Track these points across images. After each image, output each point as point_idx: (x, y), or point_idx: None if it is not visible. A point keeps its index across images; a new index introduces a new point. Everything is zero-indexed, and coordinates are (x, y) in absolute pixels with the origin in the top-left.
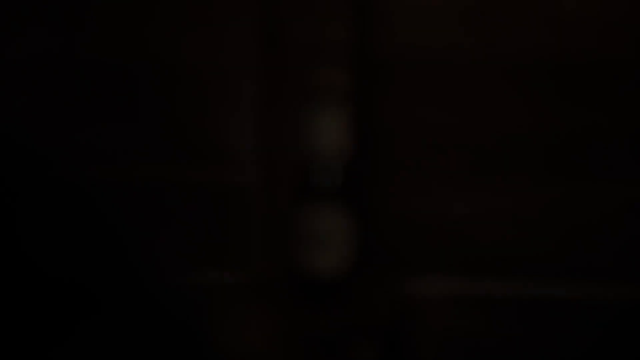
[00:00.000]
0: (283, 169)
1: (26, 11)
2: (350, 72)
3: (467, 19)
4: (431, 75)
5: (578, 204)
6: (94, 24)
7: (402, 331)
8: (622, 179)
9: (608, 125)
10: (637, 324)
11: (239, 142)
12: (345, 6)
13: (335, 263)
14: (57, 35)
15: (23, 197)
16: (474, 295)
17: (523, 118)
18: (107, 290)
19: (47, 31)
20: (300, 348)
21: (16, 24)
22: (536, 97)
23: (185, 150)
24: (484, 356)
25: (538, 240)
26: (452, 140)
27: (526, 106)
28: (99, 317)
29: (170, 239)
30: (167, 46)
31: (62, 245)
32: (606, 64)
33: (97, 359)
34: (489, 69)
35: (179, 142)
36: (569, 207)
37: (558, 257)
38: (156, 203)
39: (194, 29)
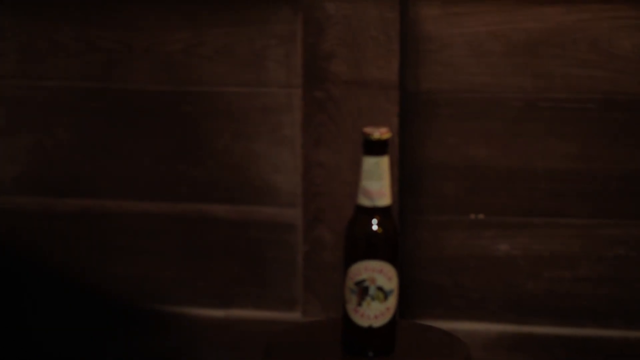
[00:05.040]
0: (329, 208)
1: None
2: (395, 109)
3: (515, 58)
4: (477, 113)
5: (631, 246)
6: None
7: None
8: None
9: None
10: None
11: (285, 181)
12: (391, 44)
13: (380, 309)
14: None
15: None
16: (521, 338)
17: (574, 158)
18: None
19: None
20: None
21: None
22: (588, 136)
23: (232, 187)
24: None
25: (590, 282)
26: (499, 179)
27: (577, 145)
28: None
29: (213, 274)
30: (215, 84)
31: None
32: None
33: None
34: (539, 107)
35: (226, 179)
36: (621, 249)
37: (607, 299)
38: (200, 238)
39: (240, 68)
